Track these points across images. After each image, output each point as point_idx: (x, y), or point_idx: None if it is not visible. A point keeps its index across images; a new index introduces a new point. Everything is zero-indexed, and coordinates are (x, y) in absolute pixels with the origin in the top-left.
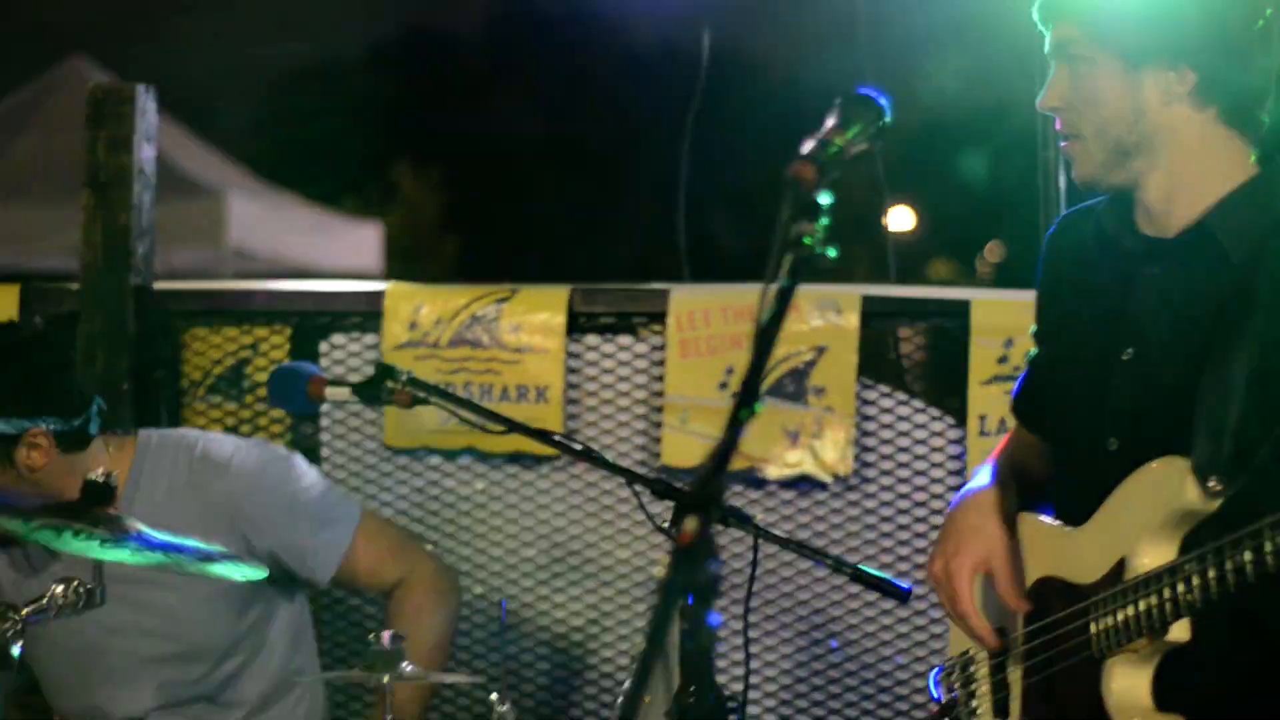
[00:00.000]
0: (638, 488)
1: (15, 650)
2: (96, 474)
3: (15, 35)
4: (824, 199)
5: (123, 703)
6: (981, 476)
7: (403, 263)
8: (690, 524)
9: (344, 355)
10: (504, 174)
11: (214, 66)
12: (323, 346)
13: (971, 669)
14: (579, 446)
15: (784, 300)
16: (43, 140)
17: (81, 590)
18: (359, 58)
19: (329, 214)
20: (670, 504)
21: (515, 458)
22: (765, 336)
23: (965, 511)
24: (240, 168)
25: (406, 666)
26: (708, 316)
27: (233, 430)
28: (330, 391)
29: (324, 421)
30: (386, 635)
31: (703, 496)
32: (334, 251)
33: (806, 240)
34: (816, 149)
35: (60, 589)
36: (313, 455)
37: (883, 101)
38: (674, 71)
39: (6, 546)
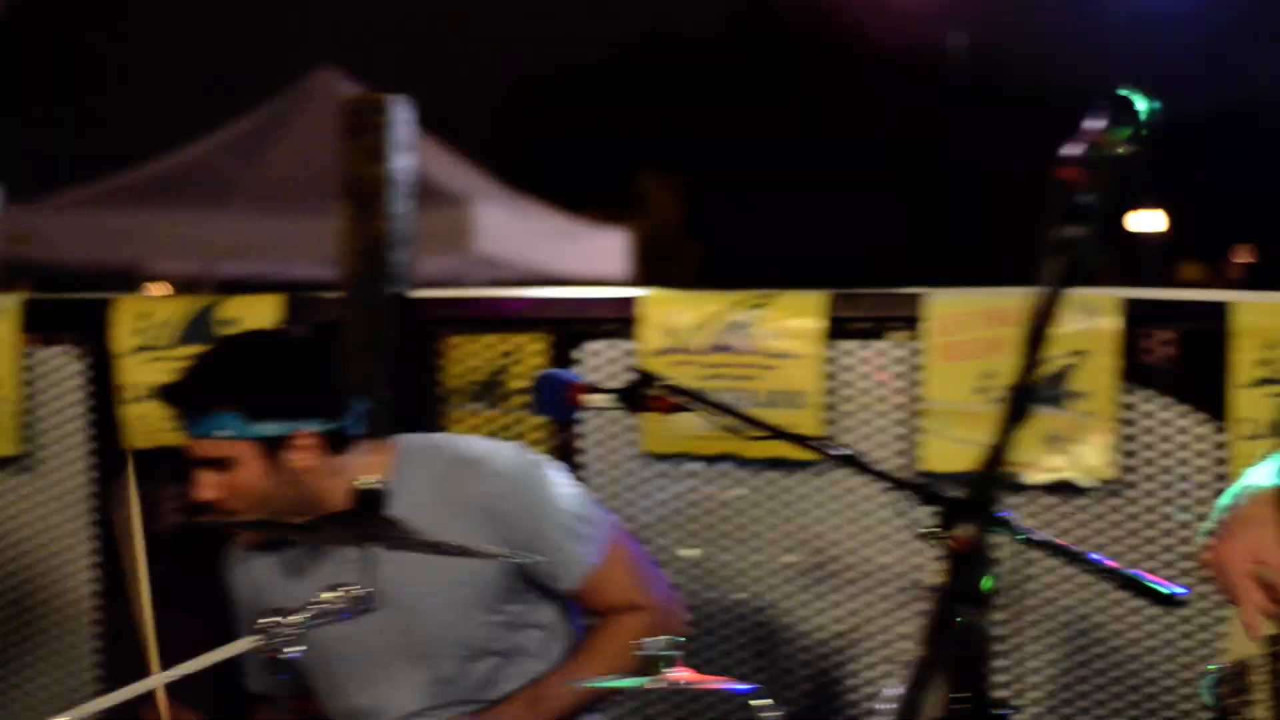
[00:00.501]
0: (902, 493)
1: (289, 655)
2: (368, 481)
3: (265, 47)
4: (1091, 201)
5: (389, 703)
6: (1260, 475)
7: (647, 268)
8: (966, 531)
9: (600, 362)
10: (748, 178)
11: (459, 74)
12: (579, 353)
13: (1246, 677)
14: (841, 452)
15: (1053, 303)
16: (295, 151)
17: (355, 596)
18: (603, 64)
19: (574, 220)
20: (934, 509)
21: (774, 463)
22: (1036, 341)
23: (1241, 502)
24: (486, 175)
25: (675, 673)
26: (966, 320)
27: (492, 437)
28: (590, 398)
29: (582, 428)
30: (659, 641)
31: (976, 503)
32: (579, 258)
33: (1074, 244)
34: (1082, 151)
35: (333, 594)
36: (571, 462)
37: (1147, 103)
38: (921, 72)
39: (278, 548)
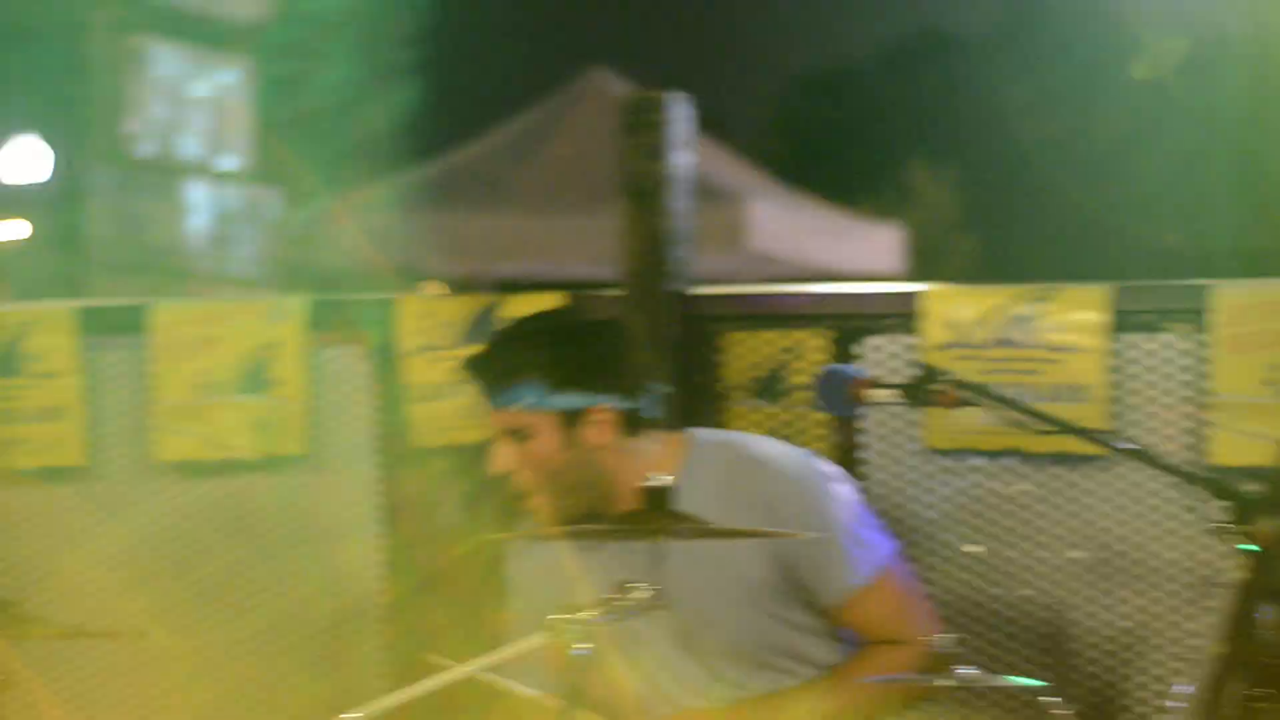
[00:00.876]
0: (1194, 487)
1: (578, 652)
2: (657, 478)
3: (537, 49)
4: None
5: (664, 700)
6: None
7: (919, 263)
8: (1268, 525)
9: (882, 357)
10: (1019, 172)
11: (729, 72)
12: (860, 348)
13: None
14: (1130, 445)
15: None
16: (569, 151)
17: (644, 593)
18: (873, 59)
19: (846, 216)
20: (1228, 504)
21: (1060, 458)
22: None
23: None
24: (759, 172)
25: (962, 670)
26: (1254, 312)
27: (773, 433)
28: (873, 393)
29: (864, 424)
30: (945, 638)
31: (1277, 497)
32: (852, 253)
33: None
34: None
35: (625, 593)
36: (853, 458)
37: None
38: (1193, 63)
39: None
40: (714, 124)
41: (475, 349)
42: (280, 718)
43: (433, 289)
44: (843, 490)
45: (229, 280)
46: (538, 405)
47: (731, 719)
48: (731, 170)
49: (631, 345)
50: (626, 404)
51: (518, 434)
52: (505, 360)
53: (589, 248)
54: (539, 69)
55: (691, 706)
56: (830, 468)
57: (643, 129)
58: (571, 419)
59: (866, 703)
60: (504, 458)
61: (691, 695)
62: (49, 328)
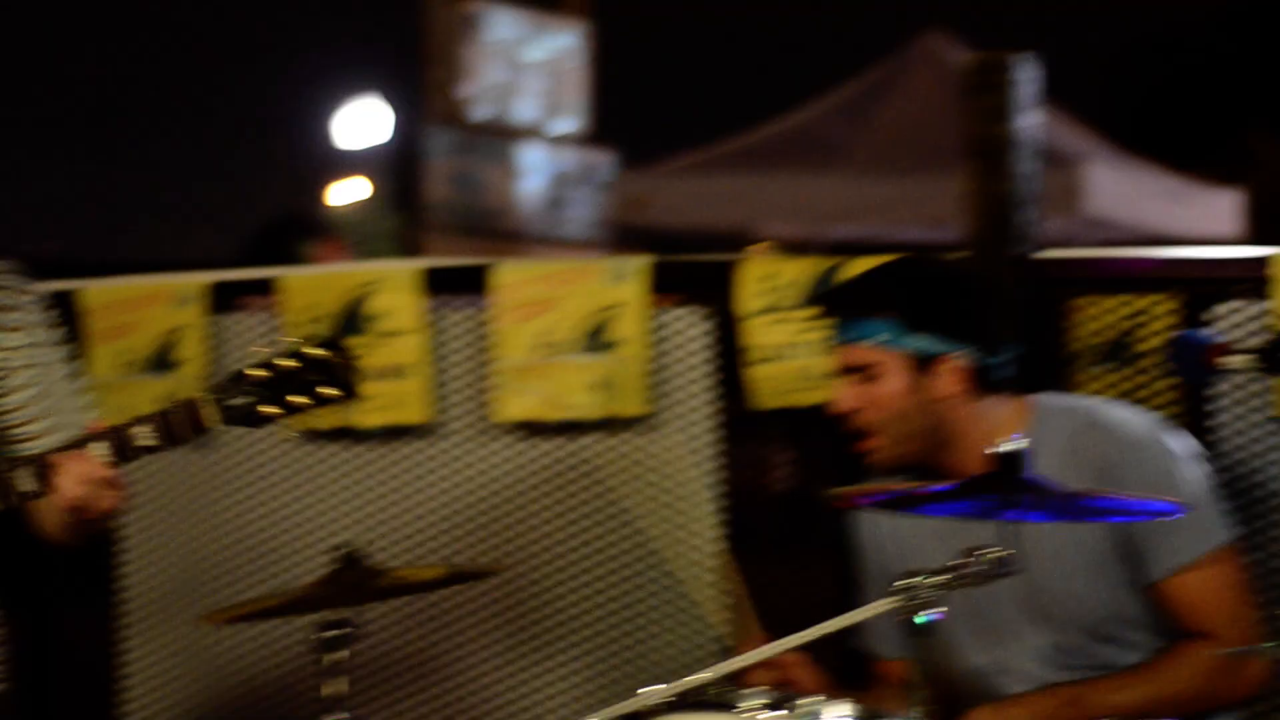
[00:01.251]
0: None
1: (925, 619)
2: (1010, 441)
3: (873, 12)
4: None
5: (1010, 665)
6: None
7: (1260, 228)
8: None
9: (1233, 322)
10: None
11: (1066, 33)
12: (1210, 314)
13: None
14: None
15: None
16: (904, 114)
17: (995, 559)
18: (1215, 19)
19: (1185, 180)
20: None
21: None
22: None
23: None
24: (1095, 135)
25: None
26: None
27: (1121, 399)
28: (1227, 360)
29: (1215, 391)
30: None
31: None
32: (1189, 218)
33: None
34: None
35: (976, 557)
36: (1202, 426)
37: None
38: None
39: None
40: (1049, 85)
41: (832, 287)
42: (614, 677)
43: (765, 251)
44: (1190, 464)
45: (563, 242)
46: (891, 343)
47: (1056, 705)
48: (1067, 132)
49: (991, 302)
50: (981, 359)
51: (865, 372)
52: (865, 294)
53: (923, 211)
54: (873, 31)
55: (1036, 677)
56: (1183, 441)
57: (988, 91)
58: (923, 363)
59: (1201, 686)
60: (846, 396)
61: (1036, 665)
62: (393, 287)
